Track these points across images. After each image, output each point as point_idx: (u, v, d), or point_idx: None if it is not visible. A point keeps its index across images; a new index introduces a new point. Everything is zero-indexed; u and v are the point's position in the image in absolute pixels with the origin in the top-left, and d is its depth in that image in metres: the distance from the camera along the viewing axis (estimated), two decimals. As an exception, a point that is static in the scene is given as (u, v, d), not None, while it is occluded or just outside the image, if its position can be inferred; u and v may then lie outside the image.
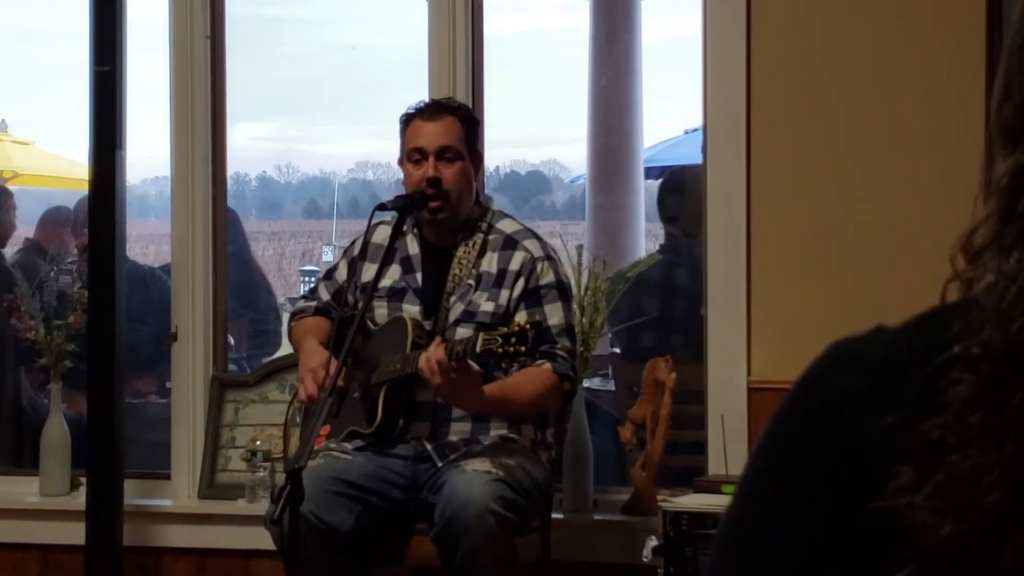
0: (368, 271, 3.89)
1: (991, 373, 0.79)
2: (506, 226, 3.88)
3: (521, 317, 3.72)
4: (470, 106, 4.37)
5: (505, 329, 3.43)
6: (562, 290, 3.82)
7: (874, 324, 0.90)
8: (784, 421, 0.90)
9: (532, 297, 3.77)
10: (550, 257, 3.84)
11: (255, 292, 6.24)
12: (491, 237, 3.85)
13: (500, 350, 3.39)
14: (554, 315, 3.76)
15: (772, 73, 4.15)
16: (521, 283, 3.78)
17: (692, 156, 6.61)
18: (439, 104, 3.91)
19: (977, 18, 3.98)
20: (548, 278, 3.79)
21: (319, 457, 3.70)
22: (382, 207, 3.79)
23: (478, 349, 3.42)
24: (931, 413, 0.80)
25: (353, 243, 4.09)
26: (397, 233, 3.80)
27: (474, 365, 3.56)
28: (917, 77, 4.08)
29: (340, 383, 3.66)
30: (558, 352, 3.70)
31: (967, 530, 0.78)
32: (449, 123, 3.82)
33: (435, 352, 3.48)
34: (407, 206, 3.76)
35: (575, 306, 4.05)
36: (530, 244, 3.83)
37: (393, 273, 3.89)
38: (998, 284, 0.81)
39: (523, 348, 3.37)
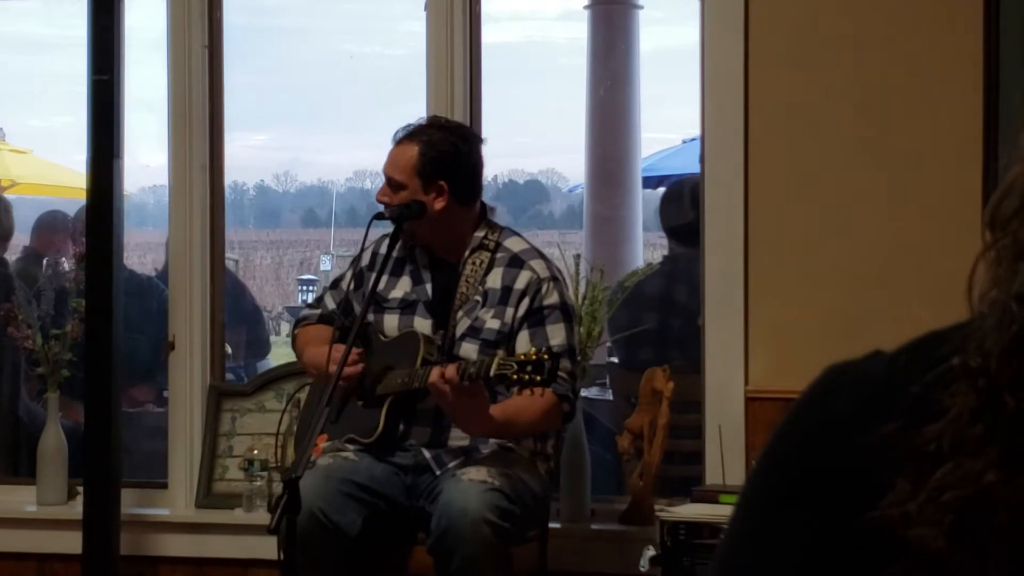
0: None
1: (988, 383, 0.79)
2: (513, 244, 3.87)
3: (525, 336, 3.71)
4: (467, 115, 4.39)
5: (522, 356, 3.39)
6: (565, 311, 3.80)
7: (869, 333, 0.91)
8: (781, 441, 0.91)
9: (535, 317, 3.76)
10: (555, 278, 3.83)
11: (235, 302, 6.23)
12: (499, 255, 3.84)
13: (515, 376, 3.37)
14: (556, 336, 3.74)
15: (770, 83, 4.16)
16: (526, 303, 3.76)
17: (690, 166, 6.63)
18: (411, 129, 3.85)
19: (975, 31, 3.98)
20: (552, 299, 3.77)
21: (326, 456, 3.70)
22: (380, 217, 3.80)
23: (492, 373, 3.40)
24: (926, 424, 0.81)
25: (361, 253, 4.08)
26: (394, 242, 3.81)
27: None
28: (915, 89, 4.08)
29: (345, 379, 3.64)
30: (559, 373, 3.69)
31: (961, 538, 0.78)
32: (402, 152, 3.79)
33: (448, 370, 3.47)
34: (404, 216, 3.77)
35: (577, 326, 4.02)
36: (536, 264, 3.82)
37: (404, 285, 3.89)
38: (1000, 298, 0.81)
39: (539, 378, 3.34)
